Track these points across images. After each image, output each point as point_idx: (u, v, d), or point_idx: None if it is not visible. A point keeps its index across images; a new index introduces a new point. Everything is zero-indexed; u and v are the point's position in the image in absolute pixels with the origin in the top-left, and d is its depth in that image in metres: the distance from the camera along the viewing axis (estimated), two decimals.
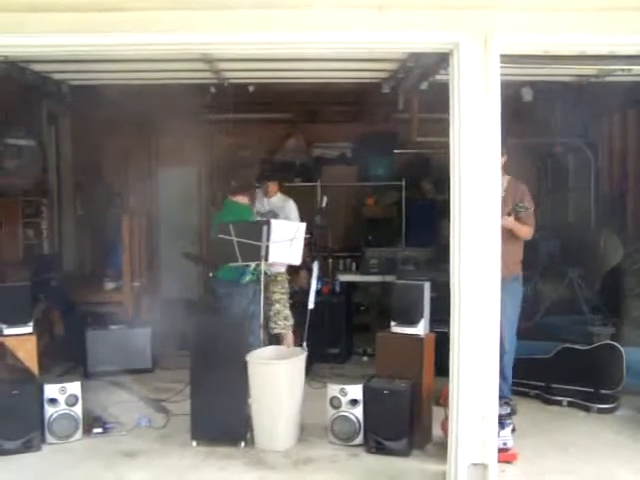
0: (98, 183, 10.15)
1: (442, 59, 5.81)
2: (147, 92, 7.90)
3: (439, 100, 5.52)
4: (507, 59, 5.28)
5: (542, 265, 8.37)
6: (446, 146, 5.28)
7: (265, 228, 6.39)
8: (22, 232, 8.26)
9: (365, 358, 8.66)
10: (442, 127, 5.44)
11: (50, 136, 9.40)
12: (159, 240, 10.90)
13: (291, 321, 7.55)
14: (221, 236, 6.43)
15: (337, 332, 8.47)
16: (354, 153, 11.05)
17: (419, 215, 10.31)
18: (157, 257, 10.77)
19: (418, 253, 9.12)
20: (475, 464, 5.22)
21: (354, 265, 9.39)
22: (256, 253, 6.43)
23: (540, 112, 8.54)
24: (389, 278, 8.49)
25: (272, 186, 7.77)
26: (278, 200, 7.83)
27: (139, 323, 8.14)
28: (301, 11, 5.07)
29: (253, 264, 6.68)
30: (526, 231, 6.44)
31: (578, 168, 9.96)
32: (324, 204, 8.16)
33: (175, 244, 9.81)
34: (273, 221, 6.56)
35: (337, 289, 8.67)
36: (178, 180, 10.83)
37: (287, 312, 7.54)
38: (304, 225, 6.71)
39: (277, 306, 7.48)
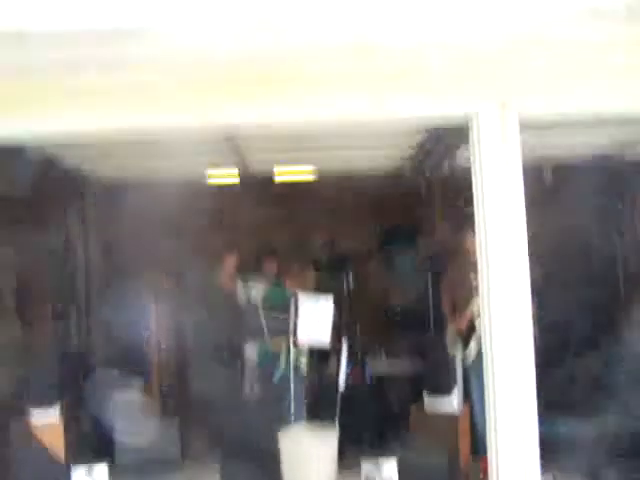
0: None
1: (461, 135, 5.88)
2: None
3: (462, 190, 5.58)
4: (526, 126, 5.39)
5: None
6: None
7: (293, 302, 6.38)
8: (51, 331, 8.29)
9: None
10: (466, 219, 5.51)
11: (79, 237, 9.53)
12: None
13: None
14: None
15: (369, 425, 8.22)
16: (381, 247, 11.08)
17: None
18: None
19: None
20: None
21: (384, 355, 9.24)
22: (284, 328, 6.40)
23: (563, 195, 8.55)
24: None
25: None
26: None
27: (167, 414, 8.02)
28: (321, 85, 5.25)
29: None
30: None
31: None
32: (350, 285, 8.12)
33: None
34: (301, 295, 6.53)
35: (368, 380, 8.53)
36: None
37: None
38: (331, 300, 6.66)
39: None
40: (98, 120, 5.15)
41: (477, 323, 5.91)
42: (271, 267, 7.76)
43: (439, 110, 5.36)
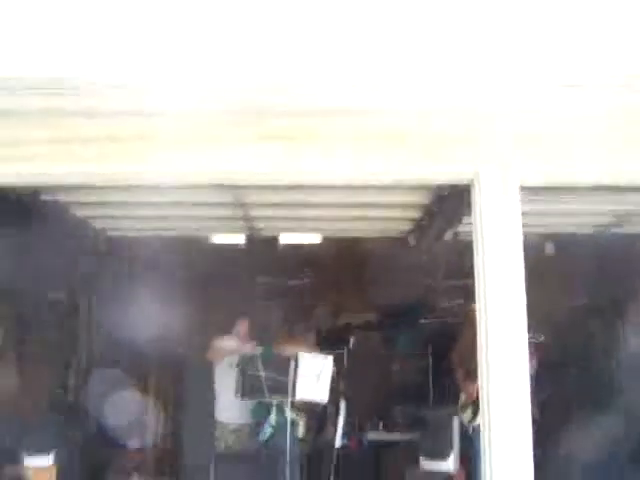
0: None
1: (464, 203, 5.96)
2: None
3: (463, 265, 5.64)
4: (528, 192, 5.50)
5: None
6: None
7: (293, 362, 6.41)
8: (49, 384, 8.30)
9: None
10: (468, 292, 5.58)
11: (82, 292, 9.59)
12: None
13: None
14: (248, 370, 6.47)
15: None
16: (381, 321, 11.09)
17: (446, 383, 10.19)
18: None
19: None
20: None
21: (381, 425, 9.19)
22: (283, 388, 6.41)
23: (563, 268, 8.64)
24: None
25: None
26: None
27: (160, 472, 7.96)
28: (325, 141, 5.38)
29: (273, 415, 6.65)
30: None
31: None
32: (351, 345, 8.15)
33: None
34: (300, 354, 6.57)
35: (365, 446, 8.48)
36: None
37: None
38: (332, 358, 6.69)
39: None
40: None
41: None
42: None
43: (440, 172, 5.54)
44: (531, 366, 6.40)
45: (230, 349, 7.42)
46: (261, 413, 6.97)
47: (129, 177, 5.46)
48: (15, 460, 6.13)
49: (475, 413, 6.60)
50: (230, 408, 7.38)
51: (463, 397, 7.09)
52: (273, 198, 6.68)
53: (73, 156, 5.16)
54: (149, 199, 6.53)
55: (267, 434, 6.87)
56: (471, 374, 6.68)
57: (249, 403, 7.16)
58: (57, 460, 6.25)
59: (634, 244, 7.79)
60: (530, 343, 6.18)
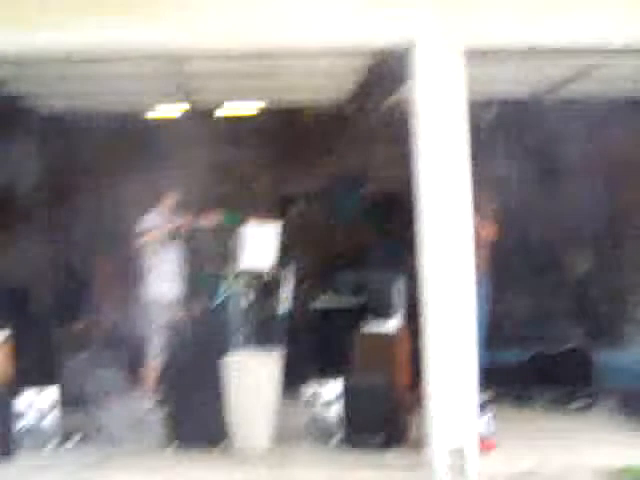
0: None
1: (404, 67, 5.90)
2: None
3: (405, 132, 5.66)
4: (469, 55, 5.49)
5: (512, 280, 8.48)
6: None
7: (238, 232, 6.45)
8: None
9: None
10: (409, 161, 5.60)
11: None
12: None
13: None
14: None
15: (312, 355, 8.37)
16: (323, 191, 11.12)
17: (389, 249, 10.37)
18: None
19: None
20: (455, 449, 5.25)
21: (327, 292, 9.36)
22: (224, 260, 6.49)
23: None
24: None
25: None
26: None
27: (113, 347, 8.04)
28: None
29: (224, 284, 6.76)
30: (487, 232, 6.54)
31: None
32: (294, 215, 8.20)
33: None
34: (248, 224, 6.54)
35: (311, 313, 8.69)
36: None
37: None
38: (279, 225, 6.68)
39: None
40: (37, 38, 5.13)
41: None
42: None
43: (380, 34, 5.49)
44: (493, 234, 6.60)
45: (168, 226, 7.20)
46: (209, 283, 7.06)
47: (64, 47, 5.34)
48: None
49: None
50: (163, 284, 7.16)
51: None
52: (210, 67, 6.56)
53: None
54: (84, 72, 6.36)
55: (218, 302, 6.99)
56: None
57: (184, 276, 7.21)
58: (11, 337, 6.28)
59: (567, 110, 7.88)
60: (487, 210, 6.40)
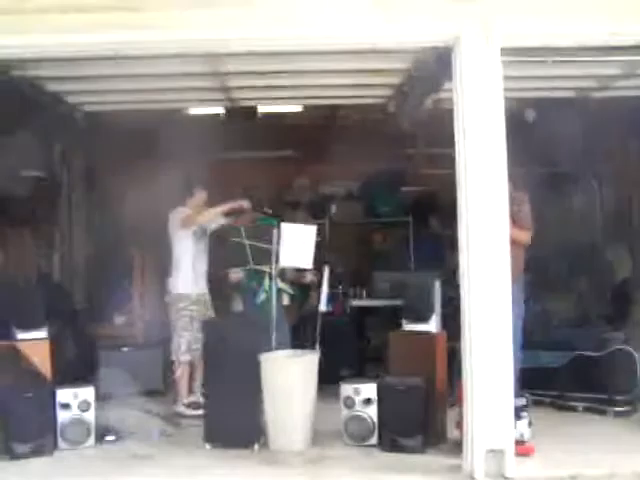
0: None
1: (445, 67, 5.87)
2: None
3: (445, 133, 5.63)
4: (509, 53, 5.44)
5: (551, 284, 8.39)
6: (452, 180, 5.43)
7: (275, 231, 6.48)
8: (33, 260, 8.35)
9: None
10: (449, 161, 5.58)
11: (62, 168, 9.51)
12: None
13: None
14: (233, 239, 6.53)
15: (349, 355, 8.37)
16: (362, 191, 11.09)
17: (426, 249, 10.30)
18: None
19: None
20: (492, 450, 5.19)
21: (364, 293, 9.34)
22: (267, 257, 6.50)
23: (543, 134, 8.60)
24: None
25: None
26: None
27: (150, 345, 8.11)
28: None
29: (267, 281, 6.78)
30: (524, 236, 6.42)
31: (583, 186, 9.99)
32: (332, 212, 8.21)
33: None
34: (283, 224, 6.61)
35: (348, 312, 8.67)
36: None
37: None
38: (315, 228, 6.72)
39: None
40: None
41: None
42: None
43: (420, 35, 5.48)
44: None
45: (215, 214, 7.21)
46: (255, 279, 7.14)
47: (105, 48, 5.40)
48: (8, 335, 6.22)
49: None
50: (194, 279, 7.20)
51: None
52: (251, 67, 6.58)
53: (46, 26, 5.11)
54: (126, 71, 6.41)
55: (261, 298, 7.06)
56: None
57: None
58: (50, 334, 6.34)
59: (615, 109, 7.75)
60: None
